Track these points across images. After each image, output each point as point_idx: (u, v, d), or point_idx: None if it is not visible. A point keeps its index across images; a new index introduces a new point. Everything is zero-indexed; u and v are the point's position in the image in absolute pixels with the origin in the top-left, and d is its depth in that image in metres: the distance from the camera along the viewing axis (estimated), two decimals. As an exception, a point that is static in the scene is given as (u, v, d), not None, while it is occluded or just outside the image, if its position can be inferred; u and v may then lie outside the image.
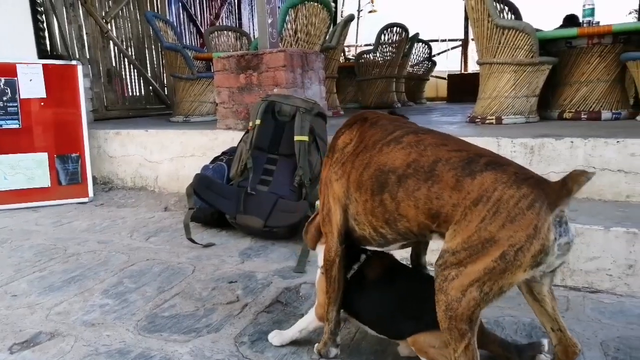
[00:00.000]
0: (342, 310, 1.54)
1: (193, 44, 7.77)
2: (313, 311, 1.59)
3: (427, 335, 1.35)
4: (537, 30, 3.61)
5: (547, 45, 3.78)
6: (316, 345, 1.56)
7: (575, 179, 1.04)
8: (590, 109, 3.65)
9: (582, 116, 3.66)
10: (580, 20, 3.97)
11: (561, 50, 3.76)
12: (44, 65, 3.73)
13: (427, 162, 1.22)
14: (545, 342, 1.42)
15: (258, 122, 2.93)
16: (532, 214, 1.06)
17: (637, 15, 7.74)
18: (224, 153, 3.36)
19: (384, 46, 6.75)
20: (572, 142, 2.48)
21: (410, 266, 1.67)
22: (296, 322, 1.63)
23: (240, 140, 3.09)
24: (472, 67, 10.21)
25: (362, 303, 1.51)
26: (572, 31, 3.53)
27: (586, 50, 3.62)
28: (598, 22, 3.81)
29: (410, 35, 6.97)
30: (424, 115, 5.45)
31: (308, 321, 1.61)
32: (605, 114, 3.60)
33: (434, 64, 8.67)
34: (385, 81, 6.63)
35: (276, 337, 1.65)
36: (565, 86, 3.79)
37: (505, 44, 3.47)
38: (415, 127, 1.39)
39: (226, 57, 3.55)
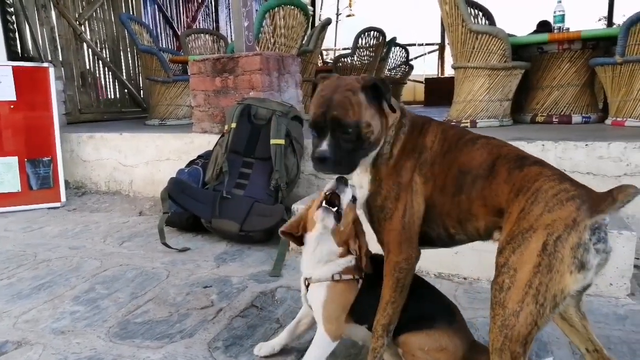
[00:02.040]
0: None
1: (169, 46, 7.69)
2: (323, 335, 1.41)
3: (419, 335, 1.33)
4: (510, 35, 3.68)
5: (519, 50, 3.85)
6: None
7: (623, 191, 1.00)
8: (561, 113, 3.74)
9: (554, 120, 3.74)
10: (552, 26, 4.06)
11: (533, 55, 3.84)
12: (14, 68, 3.65)
13: (491, 159, 1.23)
14: None
15: (234, 125, 2.91)
16: (571, 206, 1.03)
17: (606, 22, 7.95)
18: (199, 157, 3.33)
19: (361, 50, 6.79)
20: (543, 145, 2.53)
21: None
22: (305, 357, 1.43)
23: (216, 144, 3.06)
24: (449, 71, 10.35)
25: (370, 301, 1.40)
26: (543, 37, 3.61)
27: (557, 56, 3.71)
28: (568, 29, 3.91)
29: (387, 39, 7.03)
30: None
31: (323, 350, 1.42)
32: (576, 118, 3.69)
33: (411, 68, 8.74)
34: (363, 85, 6.65)
35: None
36: (538, 90, 3.87)
37: (479, 48, 3.53)
38: (482, 135, 1.34)
39: (202, 60, 3.52)
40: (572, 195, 1.05)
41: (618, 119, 3.33)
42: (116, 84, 6.46)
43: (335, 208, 1.38)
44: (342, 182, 1.40)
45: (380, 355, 1.38)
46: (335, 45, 13.65)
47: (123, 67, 6.55)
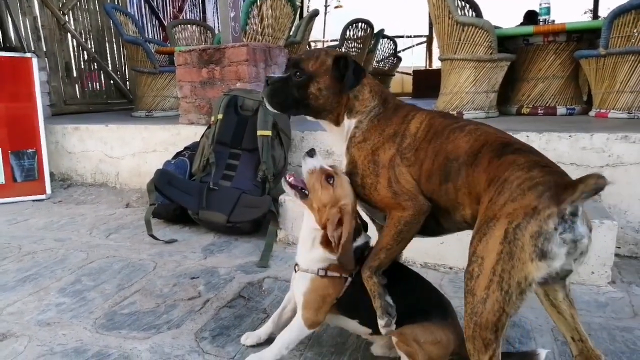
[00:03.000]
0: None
1: (156, 37, 7.61)
2: (299, 321, 1.44)
3: (415, 328, 1.34)
4: (496, 27, 3.70)
5: (506, 42, 3.88)
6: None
7: (585, 181, 0.97)
8: (547, 105, 3.77)
9: (539, 111, 3.78)
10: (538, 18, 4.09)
11: (519, 47, 3.86)
12: (-4, 58, 3.59)
13: (477, 147, 1.22)
14: (543, 352, 1.38)
15: (220, 116, 2.90)
16: (532, 195, 1.04)
17: (591, 15, 8.02)
18: (186, 148, 3.31)
19: (349, 42, 6.77)
20: (527, 136, 2.56)
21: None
22: (278, 337, 1.46)
23: (203, 135, 3.05)
24: (437, 64, 10.37)
25: (362, 297, 1.41)
26: (529, 29, 3.63)
27: (542, 48, 3.74)
28: (553, 21, 3.94)
29: (375, 31, 7.02)
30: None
31: (296, 334, 1.45)
32: (561, 110, 3.73)
33: (400, 59, 8.75)
34: (351, 76, 6.65)
35: None
36: (523, 82, 3.90)
37: (465, 40, 3.54)
38: (474, 121, 1.35)
39: (188, 51, 3.50)
40: (535, 184, 1.05)
41: (601, 110, 3.38)
42: (102, 75, 6.38)
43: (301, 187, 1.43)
44: (309, 153, 1.44)
45: (379, 293, 1.37)
46: (323, 37, 13.60)
47: (108, 58, 6.47)
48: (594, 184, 0.96)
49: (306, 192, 1.42)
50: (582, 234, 1.04)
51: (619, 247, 2.38)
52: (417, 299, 1.43)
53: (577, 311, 1.30)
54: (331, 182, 1.40)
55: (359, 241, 1.44)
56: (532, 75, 3.83)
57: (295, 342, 1.46)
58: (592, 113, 3.52)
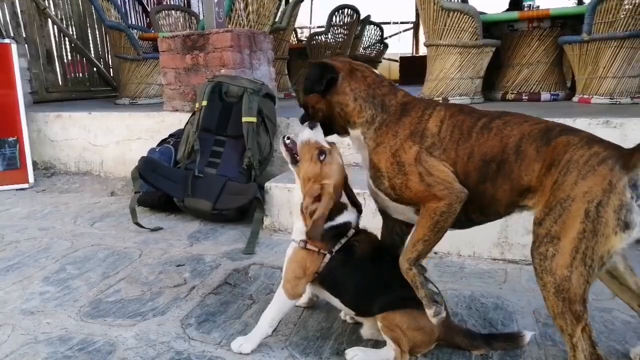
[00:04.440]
0: (312, 284, 1.50)
1: (139, 23, 7.48)
2: (279, 291, 1.46)
3: (401, 314, 1.35)
4: (481, 13, 3.70)
5: (491, 28, 3.89)
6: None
7: None
8: (531, 90, 3.80)
9: (524, 97, 3.80)
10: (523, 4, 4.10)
11: (504, 33, 3.88)
12: (-26, 44, 3.51)
13: (514, 142, 1.22)
14: (528, 334, 1.42)
15: (204, 103, 2.88)
16: (604, 170, 1.07)
17: (576, 1, 8.05)
18: (171, 135, 3.29)
19: (335, 28, 6.73)
20: (511, 121, 2.58)
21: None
22: (261, 316, 1.48)
23: (187, 122, 3.02)
24: (424, 50, 10.34)
25: (344, 278, 1.45)
26: (514, 14, 3.64)
27: (527, 34, 3.76)
28: (538, 7, 3.95)
29: (361, 17, 6.98)
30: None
31: (277, 306, 1.47)
32: (545, 95, 3.76)
33: (386, 46, 8.72)
34: (337, 63, 6.63)
35: (244, 344, 1.47)
36: (508, 68, 3.92)
37: (450, 26, 3.55)
38: (495, 112, 1.32)
39: (171, 37, 3.45)
40: (602, 159, 1.08)
41: (585, 96, 3.41)
42: (84, 61, 6.27)
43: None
44: (310, 125, 1.45)
45: (422, 283, 1.34)
46: (310, 23, 13.47)
47: (91, 45, 6.36)
48: None
49: (297, 157, 1.44)
50: None
51: None
52: (403, 285, 1.43)
53: None
54: (322, 158, 1.40)
55: (339, 220, 1.45)
56: (516, 61, 3.85)
57: (278, 316, 1.49)
58: (575, 99, 3.56)
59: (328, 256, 1.45)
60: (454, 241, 2.19)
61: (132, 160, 3.61)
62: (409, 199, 1.34)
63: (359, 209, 1.55)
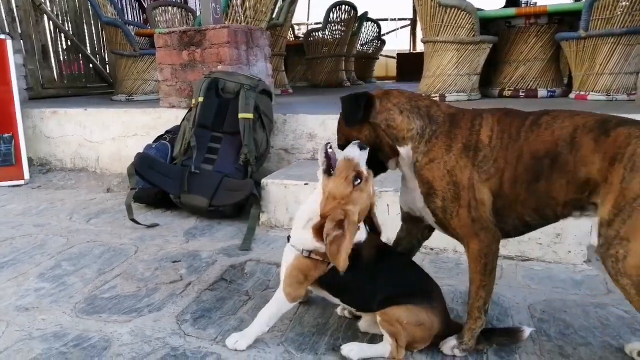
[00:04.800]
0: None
1: (136, 19, 7.45)
2: (279, 294, 1.45)
3: (400, 309, 1.35)
4: (479, 9, 3.69)
5: (488, 24, 3.88)
6: (456, 340, 1.41)
7: None
8: (528, 87, 3.80)
9: (520, 94, 3.80)
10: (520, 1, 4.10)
11: (501, 30, 3.87)
12: (-31, 39, 3.49)
13: (567, 133, 1.19)
14: (527, 330, 1.41)
15: (201, 99, 2.87)
16: None
17: (574, -3, 8.04)
18: (167, 132, 3.28)
19: (332, 24, 6.72)
20: (508, 118, 2.58)
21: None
22: (259, 314, 1.48)
23: (184, 119, 3.01)
24: (421, 47, 10.32)
25: (347, 281, 1.41)
26: (511, 11, 3.64)
27: (524, 30, 3.75)
28: (535, 3, 3.96)
29: (359, 13, 6.97)
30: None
31: (276, 308, 1.47)
32: (542, 92, 3.76)
33: (383, 42, 8.71)
34: (335, 60, 6.62)
35: (239, 340, 1.46)
36: (505, 64, 3.92)
37: (447, 22, 3.54)
38: (539, 110, 1.31)
39: (168, 33, 3.43)
40: None
41: (581, 92, 3.41)
42: (80, 58, 6.24)
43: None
44: (361, 146, 1.39)
45: (476, 334, 1.40)
46: (308, 20, 13.44)
47: (87, 41, 6.32)
48: None
49: (332, 171, 1.39)
50: None
51: (596, 227, 2.42)
52: (404, 281, 1.44)
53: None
54: (357, 182, 1.35)
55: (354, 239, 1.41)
56: (513, 58, 3.85)
57: (275, 316, 1.48)
58: (572, 95, 3.56)
59: (330, 264, 1.42)
60: (450, 238, 2.18)
61: (128, 157, 3.60)
62: (454, 229, 1.35)
63: (378, 234, 1.55)
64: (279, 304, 1.46)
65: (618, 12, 3.16)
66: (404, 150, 1.40)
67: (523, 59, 3.81)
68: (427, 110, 1.38)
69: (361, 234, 1.45)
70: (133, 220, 2.61)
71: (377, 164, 1.48)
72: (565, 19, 3.66)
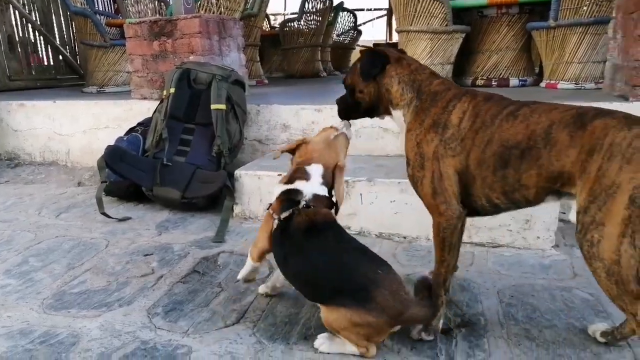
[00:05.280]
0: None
1: (107, 9, 7.27)
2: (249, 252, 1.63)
3: (332, 313, 1.32)
4: (452, -1, 3.71)
5: (461, 14, 3.90)
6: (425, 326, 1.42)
7: None
8: (500, 76, 3.85)
9: (493, 83, 3.84)
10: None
11: (474, 20, 3.90)
12: None
13: (543, 128, 1.23)
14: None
15: (172, 90, 2.82)
16: None
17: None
18: (139, 124, 3.22)
19: (308, 15, 6.67)
20: (479, 106, 2.61)
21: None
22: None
23: (155, 110, 2.96)
24: (397, 37, 10.35)
25: (278, 249, 1.50)
26: (483, 0, 3.66)
27: (496, 20, 3.79)
28: (507, -8, 3.97)
29: (334, 3, 6.94)
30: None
31: (247, 264, 1.65)
32: (513, 81, 3.81)
33: (360, 33, 8.70)
34: (311, 50, 6.58)
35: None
36: (478, 54, 3.95)
37: (421, 12, 3.55)
38: (522, 101, 1.36)
39: (138, 22, 3.36)
40: None
41: (551, 81, 3.47)
42: (49, 49, 6.07)
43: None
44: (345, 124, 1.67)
45: (440, 314, 1.43)
46: (284, 10, 13.32)
47: (56, 31, 6.15)
48: None
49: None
50: None
51: (564, 213, 2.47)
52: (337, 269, 1.37)
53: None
54: (332, 137, 1.61)
55: (296, 184, 1.53)
56: (486, 47, 3.89)
57: (245, 272, 1.67)
58: (543, 84, 3.61)
59: (276, 221, 1.50)
60: (422, 225, 2.20)
61: (99, 150, 3.51)
62: (423, 199, 1.46)
63: (336, 208, 1.57)
64: (247, 262, 1.65)
65: (586, 2, 3.21)
66: (396, 114, 1.54)
67: (495, 48, 3.84)
68: (419, 85, 1.48)
69: (307, 187, 1.52)
70: (104, 214, 2.57)
71: (371, 112, 1.64)
72: (536, 9, 3.70)
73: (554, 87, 3.43)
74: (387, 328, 1.34)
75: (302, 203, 1.49)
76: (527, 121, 1.26)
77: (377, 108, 1.59)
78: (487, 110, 1.34)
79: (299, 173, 1.55)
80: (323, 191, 1.54)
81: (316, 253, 1.42)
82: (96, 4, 5.64)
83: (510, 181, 1.29)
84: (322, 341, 1.42)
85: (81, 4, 4.96)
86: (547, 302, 1.65)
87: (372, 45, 9.55)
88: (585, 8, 3.21)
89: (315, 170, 1.55)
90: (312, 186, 1.52)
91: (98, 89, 4.74)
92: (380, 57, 1.51)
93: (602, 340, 1.42)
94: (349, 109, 1.66)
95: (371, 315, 1.28)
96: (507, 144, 1.27)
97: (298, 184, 1.53)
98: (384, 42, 10.42)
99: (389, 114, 1.57)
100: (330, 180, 1.56)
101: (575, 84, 3.30)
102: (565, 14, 3.28)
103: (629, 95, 2.39)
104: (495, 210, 1.40)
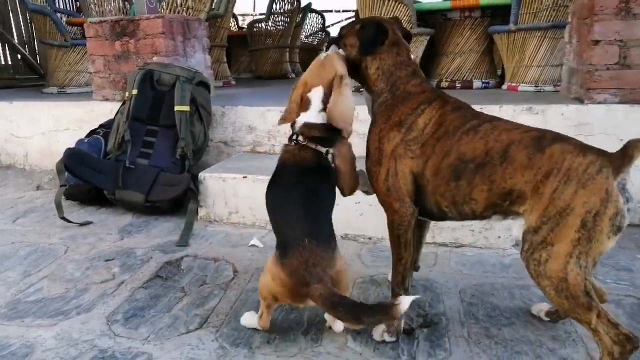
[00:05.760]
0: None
1: (68, 7, 7.07)
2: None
3: (269, 261, 1.37)
4: (416, 2, 3.76)
5: (426, 17, 3.96)
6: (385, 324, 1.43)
7: (635, 146, 1.12)
8: (464, 78, 3.92)
9: (457, 85, 3.91)
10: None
11: (438, 22, 3.96)
12: None
13: (502, 146, 1.25)
14: (404, 300, 1.19)
15: (135, 92, 2.76)
16: (601, 178, 1.13)
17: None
18: (101, 126, 3.14)
19: (276, 15, 6.65)
20: (442, 108, 2.65)
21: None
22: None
23: (117, 112, 2.90)
24: (365, 39, 10.39)
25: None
26: (446, 4, 3.72)
27: (459, 23, 3.85)
28: (471, -4, 4.05)
29: (302, 5, 6.94)
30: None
31: None
32: (477, 83, 3.88)
33: (328, 34, 8.71)
34: (279, 51, 6.56)
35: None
36: (442, 57, 4.01)
37: (386, 14, 3.58)
38: (489, 116, 1.37)
39: (99, 22, 3.29)
40: (599, 167, 1.14)
41: (513, 83, 3.55)
42: (6, 48, 5.87)
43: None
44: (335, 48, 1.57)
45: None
46: (254, 10, 13.25)
47: (14, 30, 5.95)
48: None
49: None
50: (633, 198, 1.17)
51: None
52: (286, 216, 1.39)
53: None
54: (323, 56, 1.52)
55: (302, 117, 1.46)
56: (450, 50, 3.95)
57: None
58: (504, 86, 3.70)
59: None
60: (386, 227, 2.22)
61: (59, 152, 3.40)
62: (377, 194, 1.47)
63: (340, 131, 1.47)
64: None
65: (545, 7, 3.30)
66: (366, 95, 1.55)
67: (459, 51, 3.91)
68: (395, 80, 1.46)
69: (310, 117, 1.44)
70: (64, 218, 2.50)
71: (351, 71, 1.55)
72: (497, 13, 3.78)
73: (515, 89, 3.52)
74: (290, 295, 1.31)
75: (293, 137, 1.44)
76: (487, 137, 1.28)
77: (356, 71, 1.54)
78: (452, 120, 1.35)
79: (302, 105, 1.46)
80: (322, 117, 1.43)
81: (277, 200, 1.42)
82: (57, 2, 5.49)
83: (461, 193, 1.32)
84: (245, 316, 1.53)
85: (40, 2, 4.81)
86: (506, 301, 1.69)
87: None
88: (546, 7, 3.28)
89: (315, 95, 1.45)
90: (307, 115, 1.44)
91: (59, 90, 4.61)
92: (380, 34, 1.46)
93: (546, 319, 1.53)
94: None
95: (283, 272, 1.29)
96: (464, 157, 1.30)
97: (298, 118, 1.45)
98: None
99: (361, 85, 1.56)
100: None
101: (535, 86, 3.38)
102: (524, 18, 3.37)
103: (584, 98, 2.47)
104: (441, 216, 1.42)
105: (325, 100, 1.43)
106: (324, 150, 1.45)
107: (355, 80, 1.56)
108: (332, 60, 1.47)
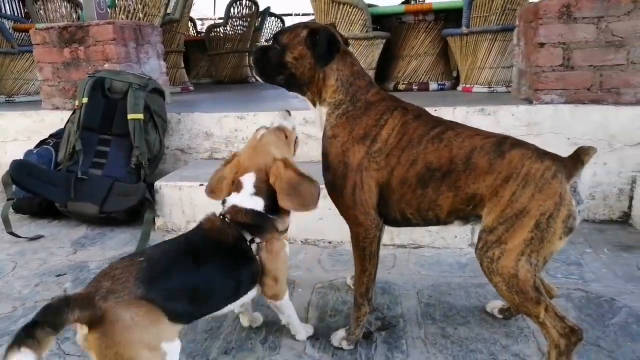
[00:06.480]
0: None
1: (15, 13, 6.81)
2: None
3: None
4: (370, 5, 3.80)
5: (382, 20, 4.01)
6: (345, 331, 1.47)
7: (585, 152, 1.20)
8: (420, 80, 3.99)
9: (414, 87, 3.98)
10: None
11: (394, 26, 4.02)
12: None
13: (465, 153, 1.27)
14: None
15: (85, 100, 2.68)
16: (556, 183, 1.18)
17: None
18: (52, 136, 3.03)
19: (234, 20, 6.60)
20: (398, 111, 2.68)
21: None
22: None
23: (68, 121, 2.81)
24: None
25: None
26: (400, 8, 3.79)
27: (414, 26, 3.92)
28: (423, 0, 4.13)
29: (260, 9, 6.91)
30: (276, 89, 5.47)
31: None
32: (433, 85, 3.96)
33: (288, 38, 8.72)
34: (238, 55, 6.51)
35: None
36: (399, 59, 4.07)
37: (341, 18, 3.61)
38: (449, 122, 1.39)
39: (45, 28, 3.17)
40: (554, 172, 1.19)
41: (467, 85, 3.64)
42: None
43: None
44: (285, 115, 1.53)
45: (363, 323, 1.47)
46: (214, 14, 13.11)
47: (-43, 36, 5.68)
48: (592, 152, 1.20)
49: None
50: (584, 200, 1.24)
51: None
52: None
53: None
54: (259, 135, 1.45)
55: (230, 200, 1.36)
56: (406, 53, 4.01)
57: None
58: (459, 88, 3.78)
59: None
60: (346, 230, 2.22)
61: (6, 165, 3.29)
62: (340, 207, 1.45)
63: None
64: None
65: (495, 11, 3.40)
66: (319, 108, 1.47)
67: (415, 53, 3.98)
68: (355, 90, 1.43)
69: (235, 199, 1.36)
70: (11, 233, 2.40)
71: (293, 86, 1.51)
72: (450, 16, 3.87)
73: (469, 90, 3.60)
74: None
75: (217, 214, 1.36)
76: (451, 145, 1.30)
77: (302, 86, 1.46)
78: (414, 129, 1.35)
79: (234, 186, 1.38)
80: (253, 203, 1.34)
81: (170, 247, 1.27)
82: (3, 8, 5.28)
83: (427, 200, 1.33)
84: None
85: (-16, 8, 4.62)
86: (462, 300, 1.72)
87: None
88: (496, 11, 3.38)
89: (247, 180, 1.37)
90: (238, 198, 1.35)
91: (7, 99, 4.43)
92: (335, 46, 1.39)
93: (499, 316, 1.58)
94: (270, 68, 1.47)
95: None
96: (430, 166, 1.31)
97: (228, 197, 1.38)
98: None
99: (313, 103, 1.48)
100: (268, 186, 1.35)
101: (488, 87, 3.48)
102: (476, 22, 3.46)
103: (532, 99, 2.55)
104: (405, 223, 1.43)
105: (258, 185, 1.35)
106: (248, 237, 1.31)
107: (297, 93, 1.51)
108: (269, 144, 1.41)
